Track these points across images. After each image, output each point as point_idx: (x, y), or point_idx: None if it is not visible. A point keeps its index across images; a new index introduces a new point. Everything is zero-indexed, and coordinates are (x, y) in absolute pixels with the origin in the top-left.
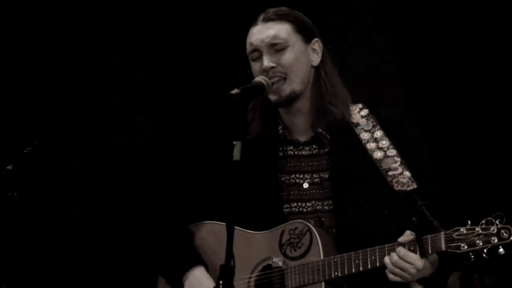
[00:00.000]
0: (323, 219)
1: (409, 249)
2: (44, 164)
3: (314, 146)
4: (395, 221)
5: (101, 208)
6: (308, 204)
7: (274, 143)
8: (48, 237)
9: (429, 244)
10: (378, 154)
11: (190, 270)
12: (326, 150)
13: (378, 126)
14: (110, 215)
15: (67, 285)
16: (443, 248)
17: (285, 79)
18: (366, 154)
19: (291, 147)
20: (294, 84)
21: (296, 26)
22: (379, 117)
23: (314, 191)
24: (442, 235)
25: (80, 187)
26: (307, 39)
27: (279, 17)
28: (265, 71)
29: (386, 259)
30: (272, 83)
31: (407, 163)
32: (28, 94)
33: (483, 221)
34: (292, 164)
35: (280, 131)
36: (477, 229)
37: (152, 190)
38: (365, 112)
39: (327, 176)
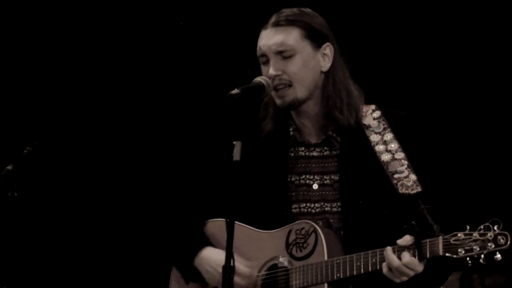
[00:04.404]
0: (331, 220)
1: (410, 253)
2: (44, 164)
3: (325, 148)
4: (399, 223)
5: (101, 208)
6: (316, 205)
7: (285, 143)
8: (48, 237)
9: (428, 249)
10: (386, 157)
11: (198, 253)
12: (337, 152)
13: (389, 129)
14: (110, 215)
15: (67, 285)
16: (441, 253)
17: (290, 85)
18: (374, 157)
19: (302, 148)
20: (298, 92)
21: (306, 32)
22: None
23: (323, 192)
24: (440, 239)
25: (80, 187)
26: (318, 45)
27: (289, 22)
28: (271, 78)
29: (384, 267)
30: (277, 88)
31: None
32: (28, 94)
33: (481, 227)
34: (303, 165)
35: (291, 132)
36: (474, 234)
37: (153, 189)
38: (377, 114)
39: (337, 178)
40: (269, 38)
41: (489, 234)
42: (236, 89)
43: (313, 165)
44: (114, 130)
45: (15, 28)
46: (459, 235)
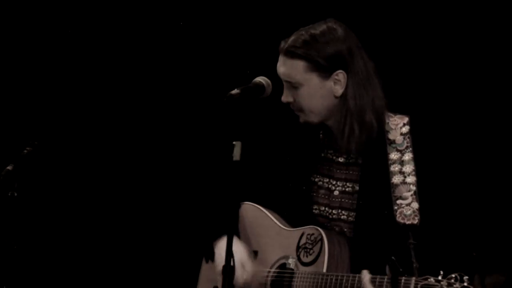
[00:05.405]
0: (345, 229)
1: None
2: (44, 164)
3: (351, 156)
4: (389, 249)
5: (101, 208)
6: (334, 211)
7: (317, 143)
8: (48, 237)
9: (401, 287)
10: (396, 179)
11: (219, 239)
12: (361, 161)
13: (411, 149)
14: (110, 215)
15: (67, 285)
16: None
17: (302, 111)
18: (386, 177)
19: (331, 151)
20: (309, 117)
21: (312, 65)
22: None
23: (343, 199)
24: (413, 281)
25: (80, 187)
26: (327, 74)
27: (294, 56)
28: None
29: None
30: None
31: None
32: (28, 94)
33: (453, 275)
34: (329, 168)
35: (321, 135)
36: (442, 282)
37: (153, 190)
38: (406, 129)
39: (358, 187)
40: (280, 66)
41: (455, 286)
42: (236, 89)
43: (337, 171)
44: (114, 129)
45: (15, 28)
46: (429, 280)
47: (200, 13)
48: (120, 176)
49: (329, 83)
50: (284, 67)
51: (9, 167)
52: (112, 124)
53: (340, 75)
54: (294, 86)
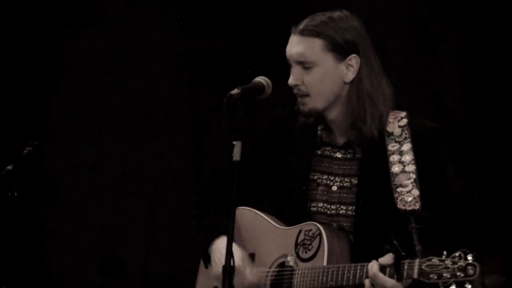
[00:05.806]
0: (344, 224)
1: (389, 272)
2: (44, 164)
3: (349, 151)
4: (391, 237)
5: (100, 208)
6: (332, 206)
7: (314, 140)
8: (48, 237)
9: (405, 270)
10: (396, 168)
11: (214, 240)
12: (359, 156)
13: (409, 139)
14: (109, 215)
15: (67, 285)
16: (415, 275)
17: (308, 96)
18: (386, 167)
19: (329, 148)
20: (315, 102)
21: (330, 45)
22: None
23: (341, 194)
24: (417, 263)
25: (80, 187)
26: (342, 56)
27: (313, 34)
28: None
29: (367, 282)
30: (298, 96)
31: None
32: (28, 94)
33: (456, 254)
34: (326, 165)
35: (319, 131)
36: (447, 261)
37: (153, 190)
38: (404, 122)
39: (356, 182)
40: (293, 46)
41: (460, 263)
42: (236, 89)
43: (335, 167)
44: (114, 129)
45: (15, 28)
46: (433, 260)
47: (200, 13)
48: (120, 176)
49: (342, 67)
50: (299, 46)
51: (9, 167)
52: (112, 124)
53: (354, 59)
54: (306, 67)
